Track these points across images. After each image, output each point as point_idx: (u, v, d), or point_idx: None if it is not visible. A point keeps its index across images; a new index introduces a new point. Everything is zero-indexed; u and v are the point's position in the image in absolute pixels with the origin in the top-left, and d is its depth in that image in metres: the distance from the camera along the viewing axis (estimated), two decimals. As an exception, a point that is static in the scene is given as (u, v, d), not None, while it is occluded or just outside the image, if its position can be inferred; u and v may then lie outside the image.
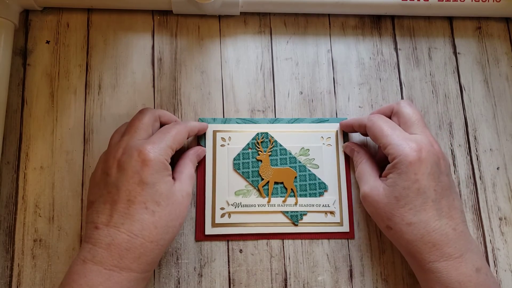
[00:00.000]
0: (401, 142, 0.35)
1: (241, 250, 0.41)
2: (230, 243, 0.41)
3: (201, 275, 0.40)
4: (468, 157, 0.44)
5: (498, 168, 0.44)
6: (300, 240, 0.41)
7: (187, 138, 0.39)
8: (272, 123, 0.43)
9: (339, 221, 0.41)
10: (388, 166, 0.36)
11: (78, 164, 0.41)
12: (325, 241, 0.41)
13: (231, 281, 0.40)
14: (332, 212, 0.41)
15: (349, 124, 0.42)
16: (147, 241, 0.31)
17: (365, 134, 0.41)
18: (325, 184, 0.42)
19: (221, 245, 0.41)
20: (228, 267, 0.40)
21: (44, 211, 0.40)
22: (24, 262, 0.39)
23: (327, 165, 0.42)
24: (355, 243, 0.41)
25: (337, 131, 0.43)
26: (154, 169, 0.33)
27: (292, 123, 0.43)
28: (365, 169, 0.39)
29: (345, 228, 0.41)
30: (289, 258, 0.41)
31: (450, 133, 0.45)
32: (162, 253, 0.34)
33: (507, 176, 0.44)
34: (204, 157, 0.42)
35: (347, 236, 0.41)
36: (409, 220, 0.34)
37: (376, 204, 0.36)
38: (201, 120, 0.43)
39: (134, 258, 0.31)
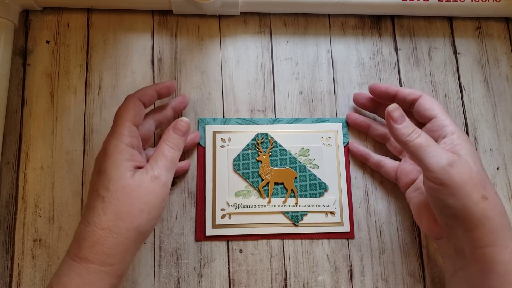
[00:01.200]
0: (451, 120, 0.36)
1: (241, 250, 0.41)
2: (230, 243, 0.41)
3: (201, 275, 0.40)
4: (468, 157, 0.44)
5: (498, 168, 0.44)
6: (300, 240, 0.41)
7: (146, 106, 0.36)
8: (272, 123, 0.43)
9: (339, 221, 0.41)
10: (451, 140, 0.35)
11: (78, 164, 0.41)
12: (325, 241, 0.41)
13: (231, 281, 0.40)
14: (332, 212, 0.41)
15: (384, 89, 0.41)
16: (98, 228, 0.30)
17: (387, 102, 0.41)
18: (325, 184, 0.42)
19: (221, 245, 0.41)
20: (228, 267, 0.40)
21: (44, 211, 0.40)
22: (24, 262, 0.39)
23: (327, 165, 0.42)
24: (355, 243, 0.41)
25: (337, 131, 0.43)
26: (108, 155, 0.32)
27: (292, 123, 0.43)
28: (432, 140, 0.34)
29: (346, 228, 0.41)
30: (289, 258, 0.41)
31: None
32: (124, 244, 0.31)
33: (507, 176, 0.44)
34: (204, 158, 0.42)
35: (347, 236, 0.41)
36: (494, 189, 0.33)
37: (471, 171, 0.32)
38: (201, 120, 0.43)
39: (89, 247, 0.30)
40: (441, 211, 0.34)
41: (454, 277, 0.35)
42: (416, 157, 0.33)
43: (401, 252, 0.41)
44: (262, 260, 0.41)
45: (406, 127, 0.34)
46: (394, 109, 0.35)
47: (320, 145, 0.43)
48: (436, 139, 0.36)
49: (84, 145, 0.42)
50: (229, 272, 0.40)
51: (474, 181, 0.32)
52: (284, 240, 0.41)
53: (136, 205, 0.31)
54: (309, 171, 0.42)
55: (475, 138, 0.45)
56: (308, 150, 0.43)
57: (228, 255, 0.41)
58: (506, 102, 0.46)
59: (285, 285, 0.40)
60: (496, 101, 0.46)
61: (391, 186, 0.43)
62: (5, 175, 0.41)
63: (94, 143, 0.42)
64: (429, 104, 0.38)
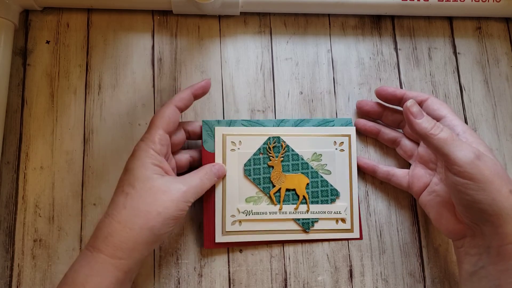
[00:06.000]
0: (460, 120, 0.37)
1: (241, 250, 0.41)
2: (230, 243, 0.41)
3: (201, 275, 0.40)
4: (468, 157, 0.44)
5: (498, 168, 0.44)
6: (300, 240, 0.41)
7: (182, 111, 0.37)
8: (278, 125, 0.42)
9: (349, 227, 0.41)
10: (463, 138, 0.35)
11: (78, 164, 0.41)
12: (325, 241, 0.41)
13: (231, 281, 0.40)
14: (343, 219, 0.41)
15: (392, 92, 0.41)
16: (114, 220, 0.32)
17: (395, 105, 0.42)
18: (337, 190, 0.41)
19: (221, 245, 0.41)
20: (228, 267, 0.40)
21: (44, 211, 0.40)
22: (24, 262, 0.39)
23: (339, 171, 0.41)
24: (355, 243, 0.41)
25: (350, 135, 0.42)
26: (136, 157, 0.34)
27: (299, 123, 0.42)
28: (455, 135, 0.34)
29: (356, 234, 0.41)
30: (289, 258, 0.41)
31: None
32: (135, 240, 0.31)
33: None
34: (214, 161, 0.40)
35: (356, 239, 0.42)
36: None
37: (496, 165, 0.32)
38: (204, 122, 0.40)
39: (103, 237, 0.31)
40: (468, 207, 0.33)
41: (473, 276, 0.34)
42: (441, 151, 0.33)
43: (401, 252, 0.41)
44: (262, 260, 0.41)
45: (426, 121, 0.34)
46: (412, 104, 0.35)
47: (333, 150, 0.42)
48: None
49: (84, 145, 0.42)
50: (229, 272, 0.40)
51: (501, 175, 0.32)
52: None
53: (155, 207, 0.32)
54: (321, 177, 0.41)
55: (475, 138, 0.45)
56: (321, 155, 0.41)
57: (228, 255, 0.41)
58: (506, 102, 0.46)
59: (285, 285, 0.40)
60: (496, 101, 0.46)
61: (391, 186, 0.43)
62: (5, 175, 0.41)
63: (94, 143, 0.42)
64: (437, 105, 0.38)
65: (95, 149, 0.42)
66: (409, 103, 0.35)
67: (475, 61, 0.47)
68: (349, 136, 0.42)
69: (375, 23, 0.48)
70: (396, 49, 0.47)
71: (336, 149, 0.42)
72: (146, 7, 0.45)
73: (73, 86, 0.43)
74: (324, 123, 0.43)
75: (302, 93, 0.45)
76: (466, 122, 0.45)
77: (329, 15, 0.47)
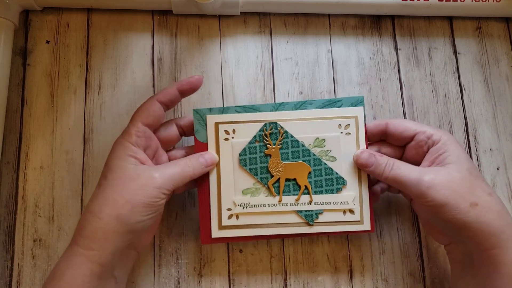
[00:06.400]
0: (430, 127, 0.36)
1: (241, 250, 0.41)
2: (230, 243, 0.41)
3: (201, 275, 0.40)
4: (468, 157, 0.44)
5: (498, 168, 0.44)
6: (300, 240, 0.41)
7: (168, 107, 0.37)
8: (276, 109, 0.38)
9: (359, 219, 0.38)
10: (437, 148, 0.35)
11: (78, 164, 0.41)
12: (325, 241, 0.41)
13: (231, 281, 0.40)
14: (351, 210, 0.38)
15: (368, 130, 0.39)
16: (87, 211, 0.32)
17: (378, 138, 0.39)
18: (343, 179, 0.38)
19: (221, 245, 0.41)
20: (228, 267, 0.40)
21: (44, 211, 0.40)
22: (24, 262, 0.39)
23: (345, 157, 0.38)
24: (354, 243, 0.41)
25: (357, 116, 0.38)
26: (112, 150, 0.35)
27: (299, 106, 0.38)
28: (407, 165, 0.35)
29: (366, 226, 0.38)
30: (289, 258, 0.41)
31: (450, 133, 0.45)
32: (104, 230, 0.31)
33: (507, 176, 0.44)
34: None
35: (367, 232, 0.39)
36: (488, 190, 0.33)
37: (453, 183, 0.33)
38: (195, 111, 0.38)
39: (78, 229, 0.32)
40: (438, 224, 0.35)
41: (462, 279, 0.35)
42: (398, 188, 0.35)
43: (401, 252, 0.41)
44: (262, 260, 0.41)
45: (378, 166, 0.36)
46: (358, 156, 0.37)
47: (338, 134, 0.38)
48: (425, 152, 0.36)
49: (84, 145, 0.42)
50: (229, 272, 0.40)
51: (458, 192, 0.32)
52: (284, 240, 0.41)
53: (123, 195, 0.32)
54: (325, 164, 0.38)
55: (475, 138, 0.45)
56: (324, 140, 0.38)
57: (228, 255, 0.41)
58: (506, 102, 0.46)
59: (285, 285, 0.40)
60: (496, 101, 0.46)
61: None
62: (5, 175, 0.41)
63: (94, 143, 0.42)
64: (400, 126, 0.37)
65: (95, 149, 0.42)
66: (355, 156, 0.37)
67: (475, 61, 0.47)
68: (356, 117, 0.38)
69: (375, 23, 0.48)
70: (396, 49, 0.47)
71: (342, 132, 0.38)
72: (146, 7, 0.45)
73: (73, 86, 0.43)
74: (330, 103, 0.38)
75: (302, 93, 0.45)
76: (466, 122, 0.45)
77: (329, 15, 0.47)
